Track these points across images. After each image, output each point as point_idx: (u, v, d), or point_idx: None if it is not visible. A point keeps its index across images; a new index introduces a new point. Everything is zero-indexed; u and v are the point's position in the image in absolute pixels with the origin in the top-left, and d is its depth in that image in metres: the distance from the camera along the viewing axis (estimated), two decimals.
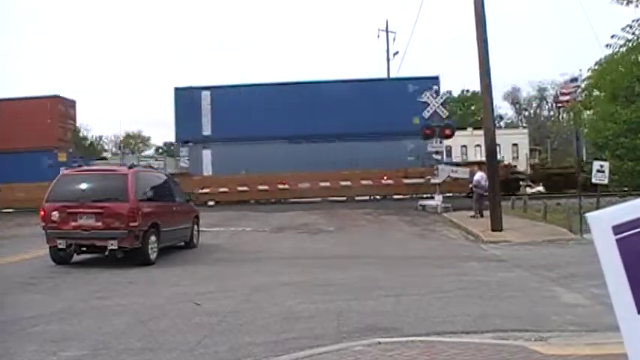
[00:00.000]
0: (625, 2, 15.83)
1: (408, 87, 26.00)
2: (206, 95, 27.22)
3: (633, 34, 16.14)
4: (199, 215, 14.05)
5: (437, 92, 24.23)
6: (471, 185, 19.93)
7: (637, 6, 15.84)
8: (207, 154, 26.94)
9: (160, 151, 66.96)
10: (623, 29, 16.19)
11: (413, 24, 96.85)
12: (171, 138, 33.61)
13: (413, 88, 25.46)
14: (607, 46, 16.45)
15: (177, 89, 27.75)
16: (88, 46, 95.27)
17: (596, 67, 17.04)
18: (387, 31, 38.35)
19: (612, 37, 16.30)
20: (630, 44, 16.04)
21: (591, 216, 1.02)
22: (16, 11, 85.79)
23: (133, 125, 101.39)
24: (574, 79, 22.09)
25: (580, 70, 23.78)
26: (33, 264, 11.05)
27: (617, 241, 0.99)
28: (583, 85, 17.37)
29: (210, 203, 24.70)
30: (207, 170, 26.90)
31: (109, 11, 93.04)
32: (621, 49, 16.24)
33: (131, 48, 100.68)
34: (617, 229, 0.99)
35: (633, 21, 16.03)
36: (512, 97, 64.34)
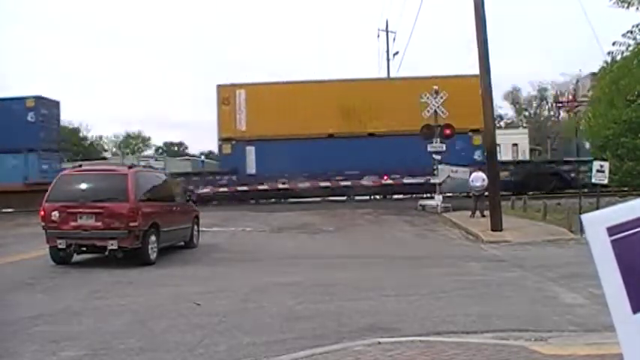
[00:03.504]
0: (626, 5, 15.80)
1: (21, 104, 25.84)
2: None
3: (634, 39, 16.10)
4: (199, 215, 14.06)
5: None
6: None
7: (638, 9, 15.79)
8: None
9: (160, 151, 67.08)
10: (623, 35, 16.16)
11: (413, 24, 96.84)
12: (172, 138, 33.32)
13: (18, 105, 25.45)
14: (609, 53, 16.43)
15: None
16: (88, 46, 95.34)
17: (599, 74, 17.07)
18: (387, 31, 38.38)
19: (613, 44, 16.26)
20: (632, 49, 16.03)
21: (586, 217, 1.03)
22: (21, 8, 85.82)
23: (134, 125, 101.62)
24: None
25: (580, 69, 23.76)
26: (33, 264, 11.06)
27: (612, 242, 0.99)
28: (589, 94, 17.45)
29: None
30: None
31: (109, 10, 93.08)
32: (624, 54, 16.23)
33: (131, 48, 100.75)
34: (612, 230, 1.00)
35: (633, 26, 16.00)
36: (513, 97, 64.30)
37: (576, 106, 17.84)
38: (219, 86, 27.34)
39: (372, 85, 27.31)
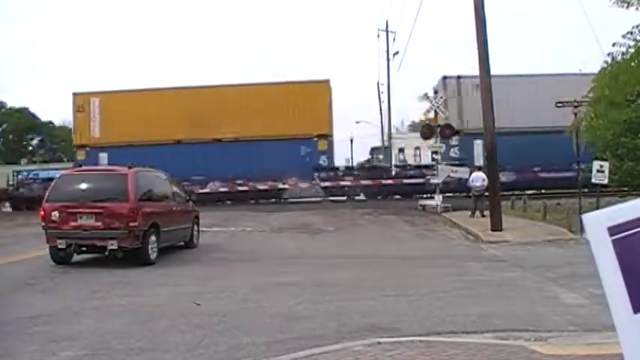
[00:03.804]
0: (626, 5, 15.75)
1: None
2: None
3: (634, 40, 16.07)
4: (199, 215, 14.06)
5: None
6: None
7: (637, 9, 15.75)
8: None
9: None
10: (623, 36, 16.13)
11: (413, 24, 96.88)
12: None
13: None
14: (609, 54, 16.40)
15: None
16: (88, 46, 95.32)
17: (599, 74, 17.02)
18: (387, 31, 38.44)
19: (613, 45, 16.24)
20: (632, 50, 15.99)
21: (586, 217, 1.02)
22: (20, 8, 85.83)
23: None
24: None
25: (580, 69, 23.70)
26: (33, 264, 11.05)
27: (613, 242, 0.99)
28: (590, 95, 17.43)
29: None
30: None
31: (109, 10, 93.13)
32: (625, 55, 16.21)
33: (131, 48, 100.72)
34: (613, 230, 0.99)
35: (633, 27, 15.98)
36: None
37: (576, 107, 17.82)
38: (74, 94, 28.01)
39: (222, 91, 27.62)
